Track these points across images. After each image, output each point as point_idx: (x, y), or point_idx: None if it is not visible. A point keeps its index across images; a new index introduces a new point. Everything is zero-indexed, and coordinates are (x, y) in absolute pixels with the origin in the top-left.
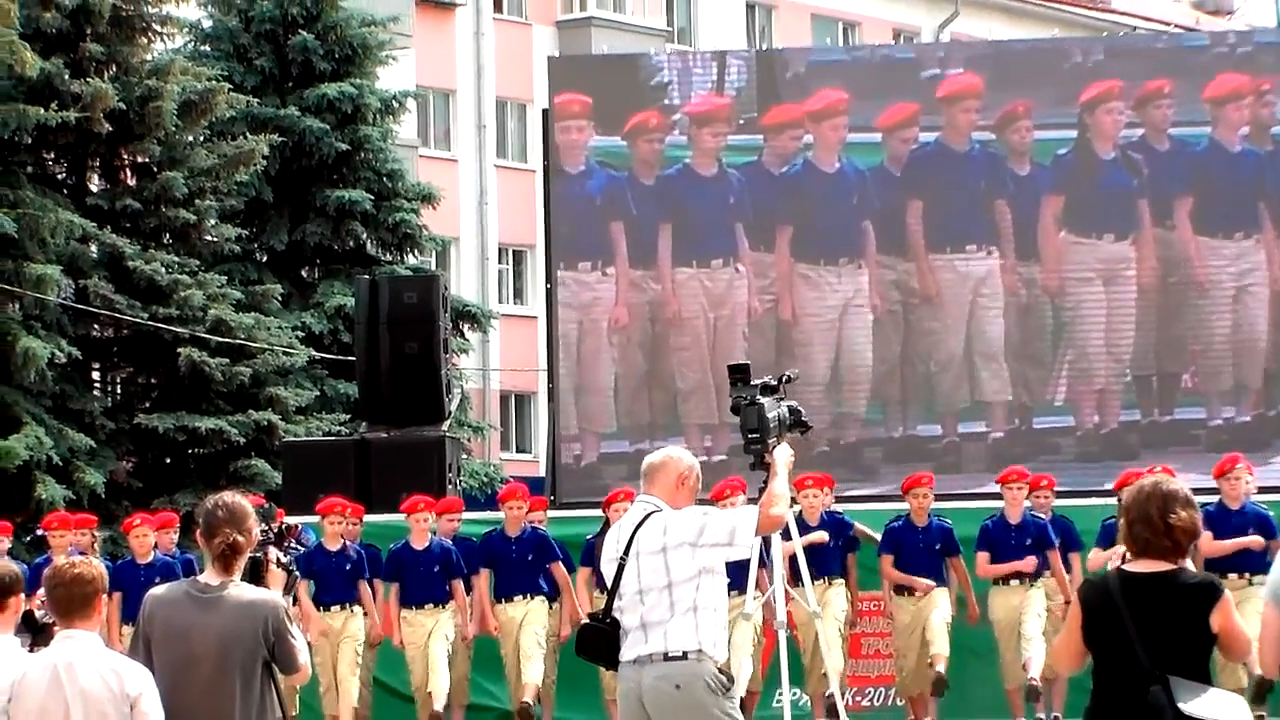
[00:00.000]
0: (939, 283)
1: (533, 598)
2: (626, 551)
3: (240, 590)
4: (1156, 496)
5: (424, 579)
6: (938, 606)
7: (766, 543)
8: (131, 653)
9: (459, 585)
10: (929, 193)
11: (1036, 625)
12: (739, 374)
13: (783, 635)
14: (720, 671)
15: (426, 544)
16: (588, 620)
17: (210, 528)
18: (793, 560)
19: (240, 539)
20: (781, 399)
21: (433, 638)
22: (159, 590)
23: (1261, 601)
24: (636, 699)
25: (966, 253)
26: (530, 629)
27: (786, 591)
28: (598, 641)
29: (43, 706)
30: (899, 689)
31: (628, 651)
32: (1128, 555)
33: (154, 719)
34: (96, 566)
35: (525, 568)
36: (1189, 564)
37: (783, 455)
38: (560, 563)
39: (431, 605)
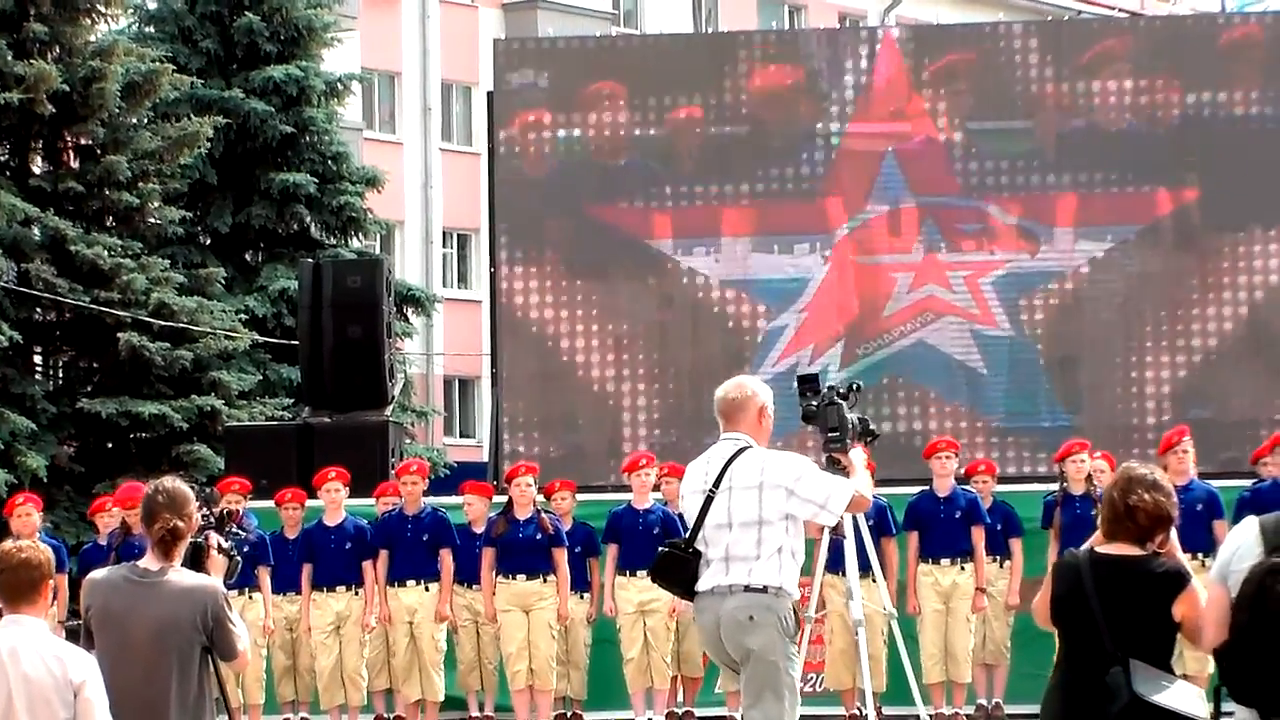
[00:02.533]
0: None
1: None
2: (717, 485)
3: (180, 576)
4: (1122, 479)
5: (411, 550)
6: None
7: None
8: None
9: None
10: None
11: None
12: (809, 384)
13: (863, 634)
14: (793, 611)
15: (417, 510)
16: (669, 548)
17: (150, 513)
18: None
19: (180, 524)
20: (852, 406)
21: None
22: (98, 574)
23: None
24: (715, 627)
25: None
26: (542, 617)
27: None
28: (676, 568)
29: None
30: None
31: (706, 582)
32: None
33: (97, 706)
34: (44, 551)
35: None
36: (1176, 548)
37: (859, 458)
38: (565, 548)
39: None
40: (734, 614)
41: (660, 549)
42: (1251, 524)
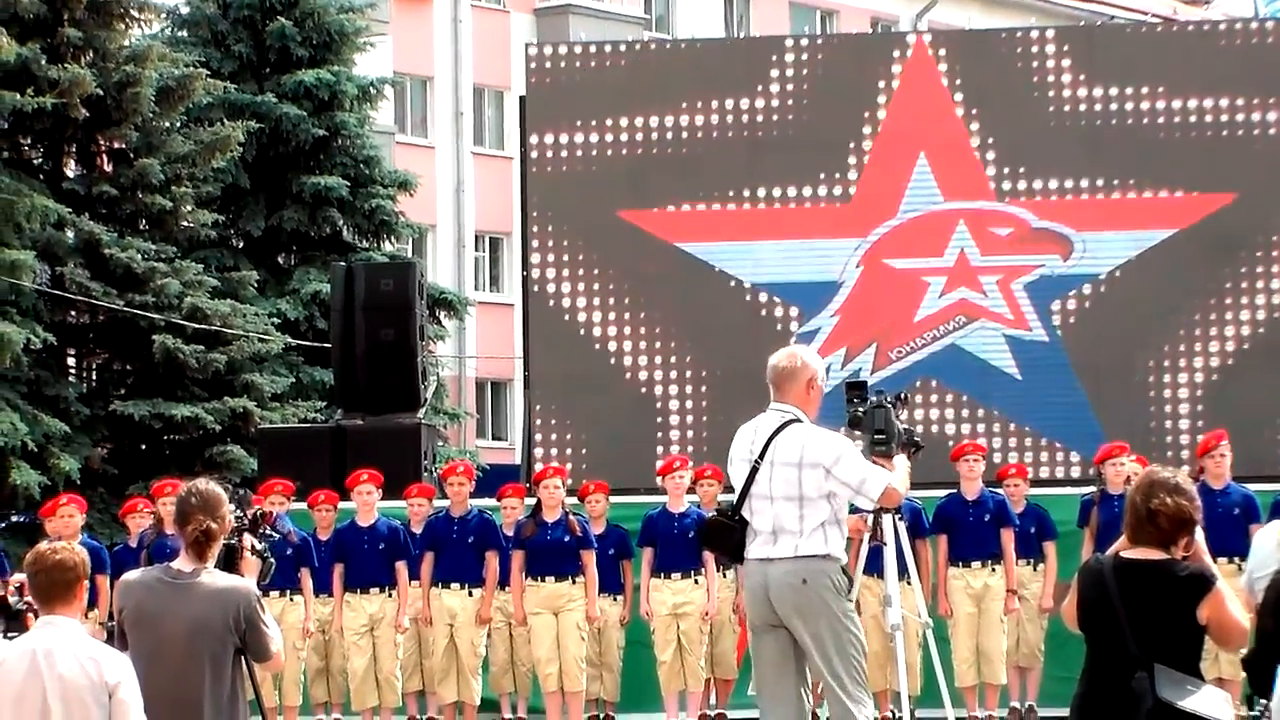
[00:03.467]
0: None
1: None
2: (761, 457)
3: (212, 578)
4: (1144, 484)
5: (458, 551)
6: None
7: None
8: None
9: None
10: None
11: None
12: (857, 390)
13: (900, 639)
14: (843, 571)
15: (464, 512)
16: (716, 514)
17: (184, 515)
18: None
19: (213, 526)
20: (899, 415)
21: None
22: (132, 575)
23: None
24: (763, 591)
25: None
26: (570, 618)
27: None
28: (724, 535)
29: (20, 693)
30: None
31: (756, 551)
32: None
33: (132, 707)
34: (79, 552)
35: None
36: (1203, 550)
37: (901, 464)
38: (593, 550)
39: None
40: (784, 578)
41: (708, 516)
42: (1273, 529)
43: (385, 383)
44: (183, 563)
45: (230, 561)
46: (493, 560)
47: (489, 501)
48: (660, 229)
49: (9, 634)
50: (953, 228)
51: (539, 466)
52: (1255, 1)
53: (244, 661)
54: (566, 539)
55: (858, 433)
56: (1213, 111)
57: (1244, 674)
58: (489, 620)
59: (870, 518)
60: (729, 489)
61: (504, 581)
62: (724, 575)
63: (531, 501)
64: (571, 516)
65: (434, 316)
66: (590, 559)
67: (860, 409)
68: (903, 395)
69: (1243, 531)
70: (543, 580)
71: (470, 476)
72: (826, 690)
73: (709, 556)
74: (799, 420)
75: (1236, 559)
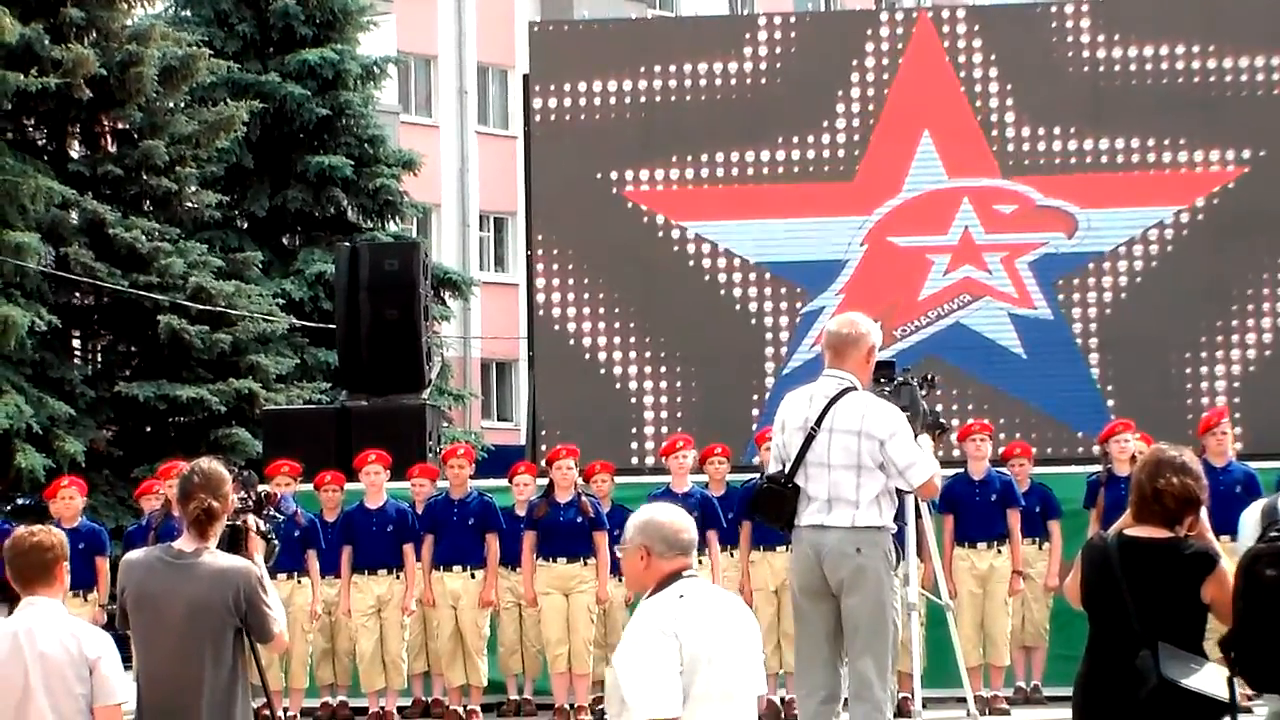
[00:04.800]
0: None
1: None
2: (818, 424)
3: (214, 558)
4: (1150, 462)
5: (457, 533)
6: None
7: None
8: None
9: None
10: None
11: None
12: (884, 370)
13: (915, 618)
14: (893, 544)
15: (464, 494)
16: (767, 481)
17: (185, 493)
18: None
19: (215, 504)
20: (926, 396)
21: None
22: (134, 555)
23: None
24: (814, 556)
25: None
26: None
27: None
28: (776, 503)
29: (2, 670)
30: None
31: (809, 518)
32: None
33: (113, 681)
34: (56, 534)
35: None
36: (1206, 529)
37: (926, 444)
38: (605, 531)
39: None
40: (839, 545)
41: (759, 483)
42: (1255, 508)
43: (390, 364)
44: (184, 542)
45: (236, 543)
46: (493, 542)
47: (490, 483)
48: (665, 207)
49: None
50: (957, 205)
51: (544, 448)
52: None
53: (247, 642)
54: (579, 520)
55: None
56: (1216, 73)
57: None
58: (492, 603)
59: None
60: (752, 467)
61: (511, 562)
62: (730, 555)
63: (542, 481)
64: (584, 498)
65: (439, 297)
66: (602, 540)
67: (886, 388)
68: (929, 377)
69: (1244, 509)
70: (554, 561)
71: (470, 459)
72: (852, 675)
73: (712, 537)
74: (855, 388)
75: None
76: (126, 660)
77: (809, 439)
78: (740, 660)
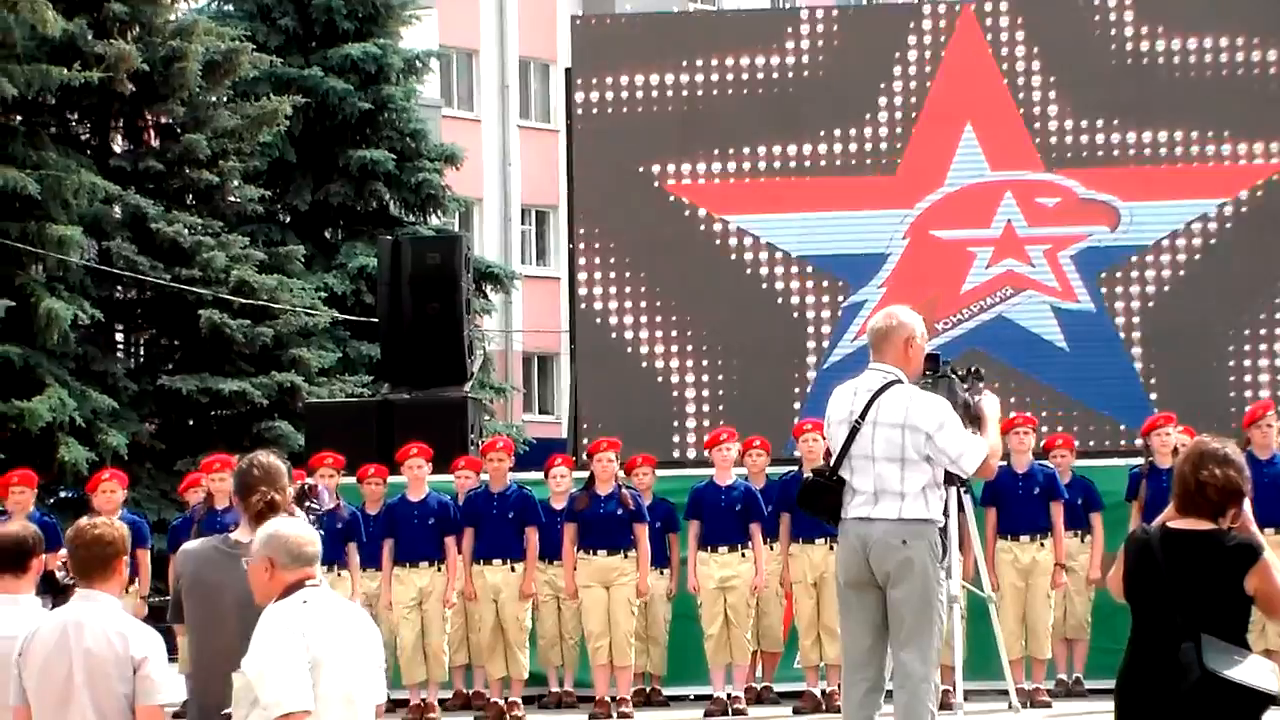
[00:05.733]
0: None
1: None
2: (863, 417)
3: None
4: (1193, 454)
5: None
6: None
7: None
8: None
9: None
10: None
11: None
12: (928, 362)
13: (957, 611)
14: (940, 536)
15: (503, 487)
16: (813, 475)
17: (246, 486)
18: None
19: (277, 496)
20: (968, 389)
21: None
22: (191, 545)
23: None
24: (861, 548)
25: None
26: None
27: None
28: (822, 496)
29: (47, 662)
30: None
31: (855, 510)
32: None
33: (158, 683)
34: (119, 528)
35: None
36: (1250, 521)
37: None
38: (646, 524)
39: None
40: (886, 537)
41: (806, 476)
42: None
43: (432, 357)
44: (242, 533)
45: None
46: (533, 535)
47: (528, 475)
48: (706, 200)
49: (55, 609)
50: (999, 198)
51: (585, 441)
52: None
53: None
54: (619, 512)
55: None
56: (1260, 65)
57: None
58: (532, 595)
59: None
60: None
61: (553, 555)
62: (770, 548)
63: (579, 474)
64: (624, 490)
65: (480, 290)
66: (643, 533)
67: (928, 380)
68: (973, 369)
69: None
70: (594, 554)
71: (510, 452)
72: (896, 666)
73: (755, 529)
74: (900, 381)
75: None
76: (172, 654)
77: (853, 432)
78: (360, 665)
